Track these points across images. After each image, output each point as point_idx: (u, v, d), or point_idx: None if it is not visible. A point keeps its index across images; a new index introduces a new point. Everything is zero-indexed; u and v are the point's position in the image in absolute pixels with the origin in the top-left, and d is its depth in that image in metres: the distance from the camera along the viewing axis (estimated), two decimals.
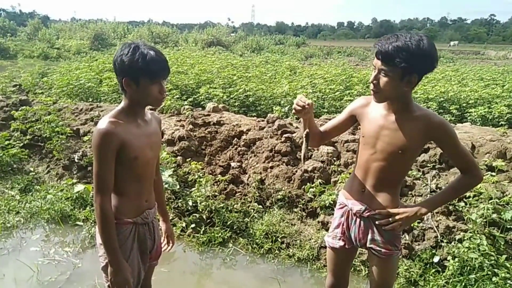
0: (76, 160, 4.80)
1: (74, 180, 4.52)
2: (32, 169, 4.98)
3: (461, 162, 1.83)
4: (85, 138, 4.97)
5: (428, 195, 3.53)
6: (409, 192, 3.68)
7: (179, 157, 4.55)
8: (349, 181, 2.06)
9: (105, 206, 1.66)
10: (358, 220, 1.98)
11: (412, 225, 3.38)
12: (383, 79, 1.68)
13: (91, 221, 3.91)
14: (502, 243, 3.03)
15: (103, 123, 1.64)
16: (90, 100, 7.22)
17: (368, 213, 1.93)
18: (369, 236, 1.95)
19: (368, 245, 1.96)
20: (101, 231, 1.68)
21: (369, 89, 1.84)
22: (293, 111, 1.85)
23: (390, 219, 1.86)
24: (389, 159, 1.82)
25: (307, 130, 1.89)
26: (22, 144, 5.17)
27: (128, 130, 1.69)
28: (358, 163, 1.98)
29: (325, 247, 2.36)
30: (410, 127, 1.76)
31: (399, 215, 1.85)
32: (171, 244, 2.17)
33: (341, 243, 2.05)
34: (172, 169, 4.23)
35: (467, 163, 1.81)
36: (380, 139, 1.83)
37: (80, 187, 4.14)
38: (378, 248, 1.93)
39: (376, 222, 1.91)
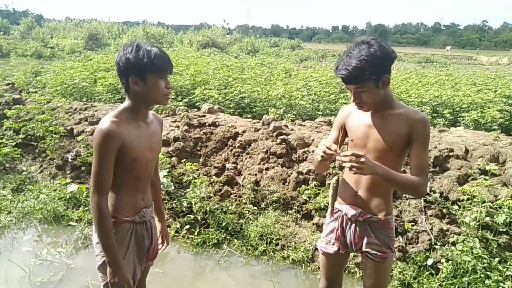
0: (70, 160, 4.76)
1: (68, 180, 4.48)
2: (24, 168, 4.93)
3: (420, 165, 1.79)
4: (79, 137, 4.92)
5: (423, 201, 3.55)
6: (403, 195, 3.70)
7: (174, 158, 4.54)
8: (339, 188, 2.03)
9: (102, 205, 1.65)
10: (353, 224, 1.99)
11: (406, 228, 3.40)
12: (362, 95, 1.77)
13: (84, 221, 3.87)
14: (495, 246, 3.06)
15: (105, 122, 1.63)
16: (84, 99, 7.17)
17: (364, 217, 1.94)
18: (365, 240, 1.96)
19: (364, 249, 1.97)
20: (98, 230, 1.67)
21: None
22: (319, 157, 1.76)
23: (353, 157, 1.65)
24: (380, 157, 1.83)
25: (338, 176, 1.92)
26: (15, 143, 5.11)
27: (129, 131, 1.68)
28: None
29: None
30: (395, 123, 1.82)
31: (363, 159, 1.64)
32: (165, 244, 2.16)
33: (335, 248, 2.06)
34: (167, 169, 4.22)
35: (424, 169, 1.80)
36: (371, 137, 1.87)
37: (73, 187, 4.11)
38: (374, 252, 1.94)
39: None
